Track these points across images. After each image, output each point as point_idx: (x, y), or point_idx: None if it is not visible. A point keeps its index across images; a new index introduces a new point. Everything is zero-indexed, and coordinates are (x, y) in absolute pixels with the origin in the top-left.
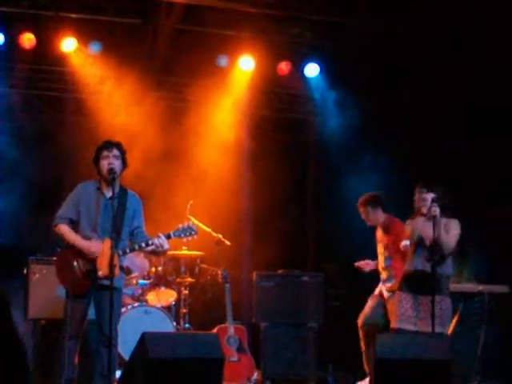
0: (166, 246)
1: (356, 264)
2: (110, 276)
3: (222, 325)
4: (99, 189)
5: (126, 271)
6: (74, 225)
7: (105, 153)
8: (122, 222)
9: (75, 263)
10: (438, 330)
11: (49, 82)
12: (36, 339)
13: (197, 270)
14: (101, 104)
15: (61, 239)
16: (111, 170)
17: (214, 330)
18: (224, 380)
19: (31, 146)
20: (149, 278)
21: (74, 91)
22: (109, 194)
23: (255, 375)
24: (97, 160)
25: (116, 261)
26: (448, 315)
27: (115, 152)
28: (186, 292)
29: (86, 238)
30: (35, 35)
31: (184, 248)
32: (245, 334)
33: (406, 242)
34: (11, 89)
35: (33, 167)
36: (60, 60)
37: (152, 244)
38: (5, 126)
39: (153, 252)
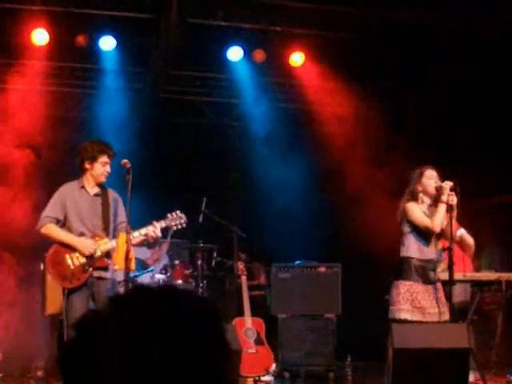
0: (159, 234)
1: None
2: (126, 269)
3: (240, 317)
4: (83, 187)
5: (142, 265)
6: (62, 225)
7: (105, 158)
8: (109, 219)
9: (68, 256)
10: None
11: None
12: (54, 335)
13: (213, 262)
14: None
15: (49, 239)
16: (106, 175)
17: (232, 323)
18: (242, 372)
19: None
20: (165, 272)
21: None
22: (93, 191)
23: (273, 367)
24: (93, 160)
25: (132, 255)
26: None
27: (108, 156)
28: (204, 285)
29: (80, 235)
30: (49, 31)
31: (200, 241)
32: (262, 325)
33: (461, 231)
34: None
35: None
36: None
37: (145, 233)
38: None
39: (144, 242)
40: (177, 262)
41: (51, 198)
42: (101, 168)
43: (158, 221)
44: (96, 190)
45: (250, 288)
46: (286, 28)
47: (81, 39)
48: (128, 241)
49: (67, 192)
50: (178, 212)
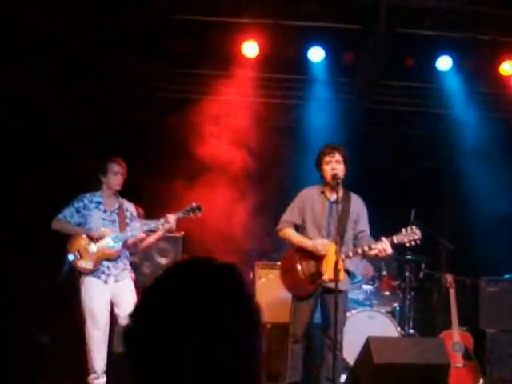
0: (390, 251)
1: None
2: (335, 280)
3: (448, 331)
4: (323, 193)
5: (350, 275)
6: (299, 229)
7: (327, 158)
8: (346, 226)
9: (299, 266)
10: None
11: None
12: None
13: (421, 274)
14: None
15: (286, 243)
16: (334, 176)
17: (440, 336)
18: None
19: None
20: (373, 283)
21: None
22: (332, 197)
23: (481, 382)
24: (319, 164)
25: (341, 265)
26: None
27: (337, 157)
28: (411, 297)
29: None
30: (259, 43)
31: (408, 252)
32: (470, 340)
33: None
34: None
35: None
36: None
37: (375, 248)
38: None
39: (376, 256)
40: (384, 273)
41: (291, 203)
42: (325, 167)
43: (387, 237)
44: (336, 195)
45: None
46: (495, 37)
47: (290, 51)
48: (337, 251)
49: (307, 196)
50: (413, 227)
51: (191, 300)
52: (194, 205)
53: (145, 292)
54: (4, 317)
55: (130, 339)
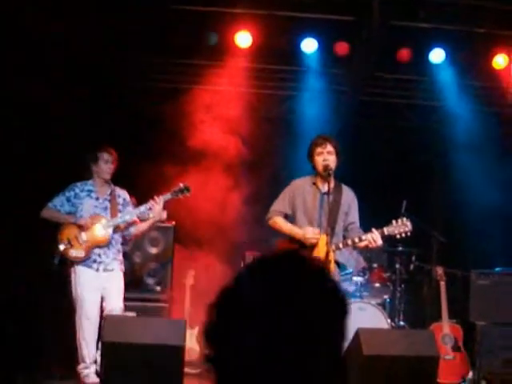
0: (380, 242)
1: None
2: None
3: (438, 323)
4: (314, 184)
5: (340, 267)
6: (289, 220)
7: (319, 149)
8: (337, 218)
9: None
10: None
11: None
12: None
13: (412, 267)
14: None
15: (276, 232)
16: (326, 167)
17: (430, 328)
18: (438, 378)
19: None
20: (363, 274)
21: None
22: (324, 188)
23: (470, 374)
24: (311, 155)
25: (331, 257)
26: None
27: (329, 148)
28: (401, 289)
29: None
30: (252, 34)
31: (399, 245)
32: (460, 332)
33: None
34: None
35: None
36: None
37: (365, 239)
38: None
39: (366, 247)
40: (375, 265)
41: (281, 193)
42: (317, 158)
43: (377, 228)
44: (327, 186)
45: None
46: (489, 30)
47: (283, 41)
48: (328, 243)
49: (298, 187)
50: (404, 219)
51: (286, 293)
52: (181, 185)
53: (229, 286)
54: (4, 317)
55: (216, 337)
